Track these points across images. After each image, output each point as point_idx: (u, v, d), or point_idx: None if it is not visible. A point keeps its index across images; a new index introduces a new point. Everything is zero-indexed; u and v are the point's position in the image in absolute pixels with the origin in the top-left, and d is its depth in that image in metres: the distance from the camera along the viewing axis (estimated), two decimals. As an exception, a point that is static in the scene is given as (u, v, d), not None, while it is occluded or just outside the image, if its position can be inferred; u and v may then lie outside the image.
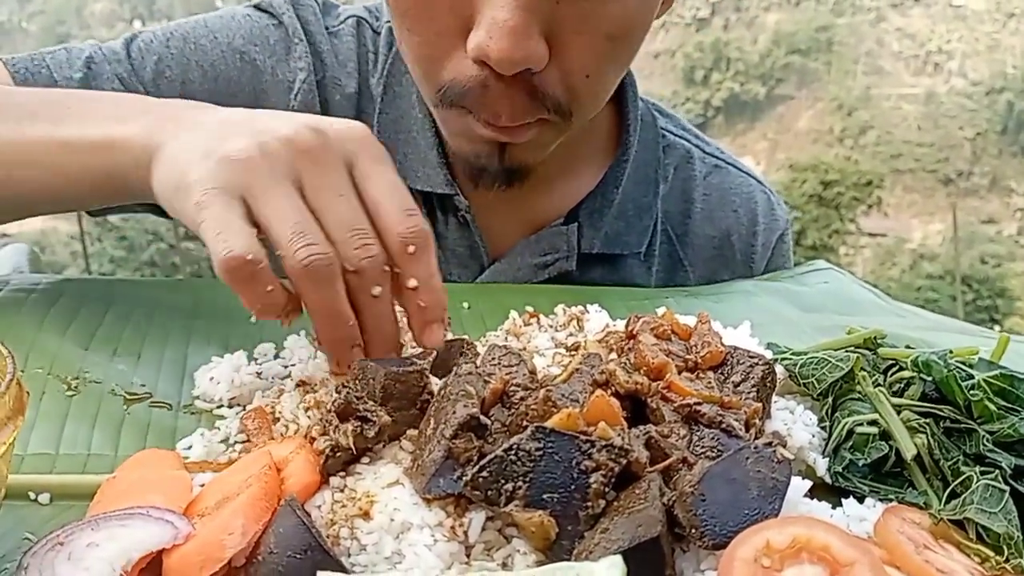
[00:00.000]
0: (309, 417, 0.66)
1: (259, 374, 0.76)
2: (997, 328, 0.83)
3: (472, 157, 0.92)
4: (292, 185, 0.62)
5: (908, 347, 0.75)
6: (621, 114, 1.09)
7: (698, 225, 1.15)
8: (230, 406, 0.73)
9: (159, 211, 1.07)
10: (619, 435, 0.54)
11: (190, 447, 0.66)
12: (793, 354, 0.72)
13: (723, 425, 0.58)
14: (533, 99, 0.83)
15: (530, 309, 0.89)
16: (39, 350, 0.77)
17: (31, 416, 0.69)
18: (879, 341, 0.73)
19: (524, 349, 0.77)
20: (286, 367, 0.77)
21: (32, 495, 0.61)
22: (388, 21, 1.08)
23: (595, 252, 1.07)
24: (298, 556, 0.50)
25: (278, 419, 0.67)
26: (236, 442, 0.67)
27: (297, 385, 0.72)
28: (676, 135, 1.17)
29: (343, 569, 0.50)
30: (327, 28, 1.06)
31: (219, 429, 0.69)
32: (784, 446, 0.56)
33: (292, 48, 1.03)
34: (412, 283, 0.65)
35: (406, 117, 1.03)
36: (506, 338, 0.82)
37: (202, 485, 0.59)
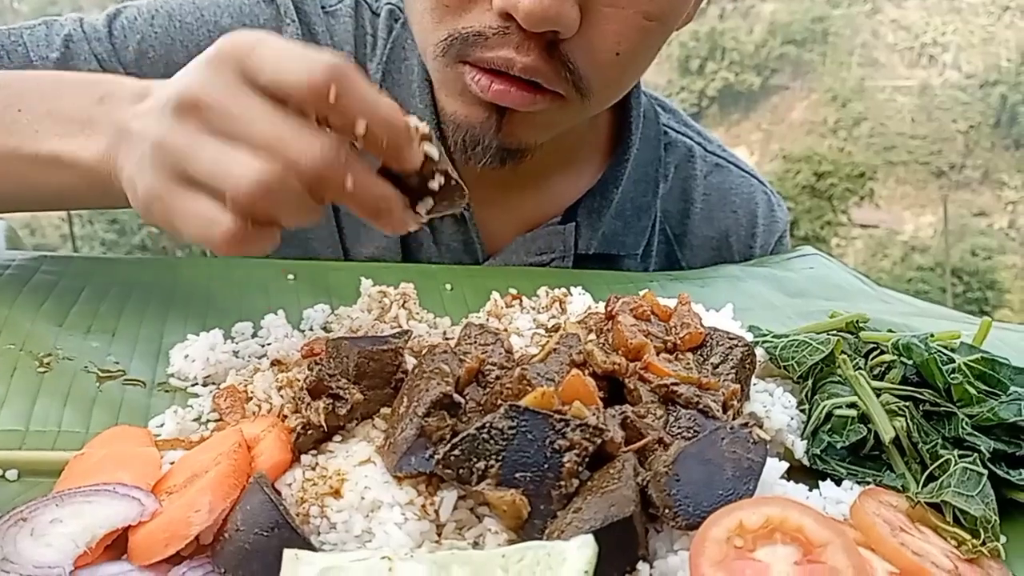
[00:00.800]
0: (282, 396, 0.65)
1: (236, 353, 0.75)
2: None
3: (467, 125, 0.87)
4: (211, 137, 0.57)
5: (890, 331, 0.74)
6: (623, 110, 1.06)
7: (697, 226, 1.13)
8: (204, 384, 0.72)
9: None
10: (594, 414, 0.54)
11: (162, 425, 0.65)
12: (774, 336, 0.72)
13: (700, 406, 0.57)
14: (552, 63, 0.79)
15: (513, 291, 0.88)
16: (11, 326, 0.76)
17: (1, 393, 0.68)
18: (861, 325, 0.73)
19: (504, 331, 0.76)
20: (263, 346, 0.76)
21: (0, 471, 0.60)
22: (388, 2, 1.04)
23: (591, 252, 1.05)
24: (265, 534, 0.49)
25: (251, 398, 0.66)
26: (209, 420, 0.66)
27: (271, 364, 0.71)
28: (678, 132, 1.15)
29: (311, 547, 0.49)
30: (323, 7, 1.02)
31: (191, 407, 0.68)
32: (760, 427, 0.55)
33: (283, 29, 1.00)
34: (361, 126, 0.57)
35: (406, 105, 0.99)
36: (487, 320, 0.82)
37: (172, 463, 0.59)
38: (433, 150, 0.61)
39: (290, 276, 0.93)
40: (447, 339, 0.77)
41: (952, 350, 0.66)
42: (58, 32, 0.95)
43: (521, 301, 0.87)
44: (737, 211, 1.15)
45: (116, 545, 0.51)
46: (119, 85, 0.69)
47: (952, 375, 0.62)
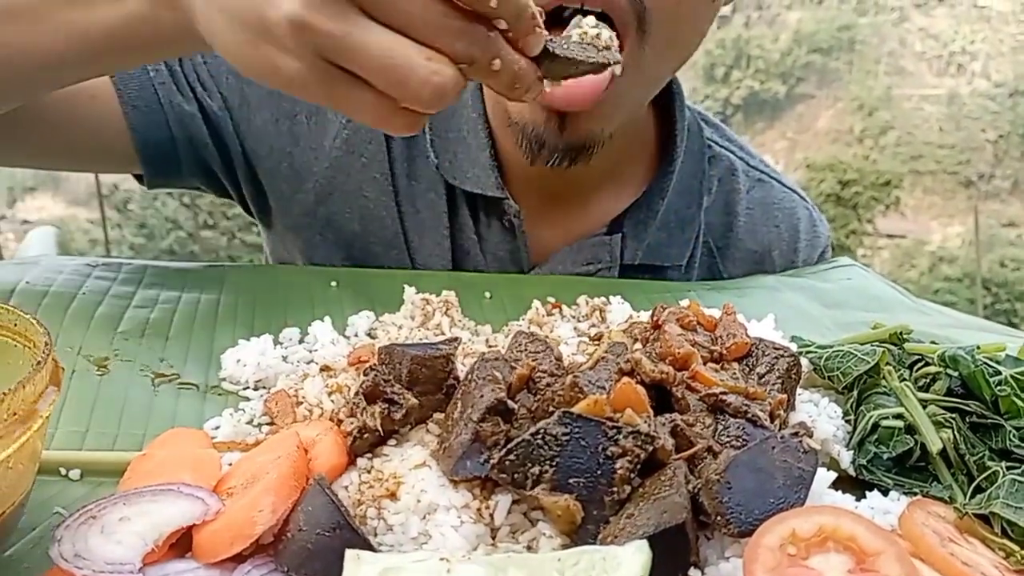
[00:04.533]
0: (332, 401, 0.67)
1: (285, 358, 0.76)
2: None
3: (531, 127, 0.89)
4: (369, 22, 0.54)
5: (933, 343, 0.75)
6: (668, 123, 1.08)
7: (740, 239, 1.14)
8: (256, 388, 0.74)
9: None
10: (645, 422, 0.54)
11: (218, 427, 0.67)
12: (818, 347, 0.72)
13: (748, 415, 0.58)
14: None
15: (552, 300, 0.89)
16: (68, 330, 0.78)
17: (61, 394, 0.70)
18: (905, 336, 0.73)
19: (547, 338, 0.77)
20: (310, 351, 0.78)
21: (63, 471, 0.62)
22: None
23: (637, 263, 1.06)
24: (327, 534, 0.50)
25: (301, 402, 0.67)
26: (261, 424, 0.68)
27: (320, 370, 0.72)
28: (721, 146, 1.16)
29: (371, 548, 0.51)
30: None
31: (243, 411, 0.69)
32: (810, 436, 0.56)
33: None
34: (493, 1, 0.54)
35: (458, 116, 1.02)
36: (529, 328, 0.83)
37: (230, 464, 0.60)
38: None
39: (333, 283, 0.94)
40: (491, 346, 0.78)
41: (998, 362, 0.66)
42: None
43: (561, 310, 0.88)
44: (780, 225, 1.16)
45: (180, 544, 0.53)
46: None
47: (999, 387, 0.62)
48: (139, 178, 1.03)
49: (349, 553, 0.48)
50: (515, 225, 1.02)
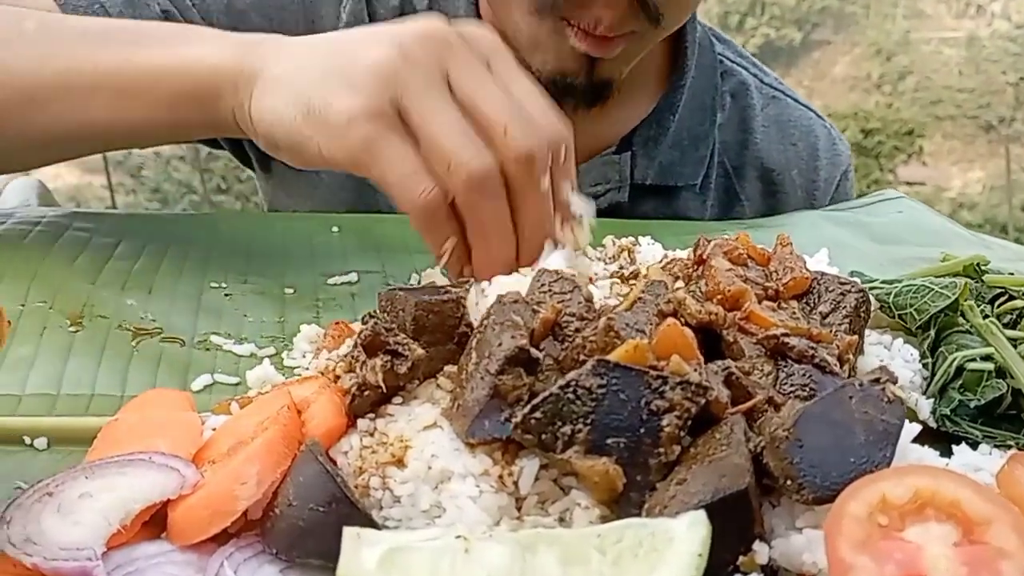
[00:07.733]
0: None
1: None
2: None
3: (558, 75, 0.87)
4: (443, 84, 0.59)
5: (1011, 275, 0.66)
6: (678, 38, 1.02)
7: (756, 158, 1.08)
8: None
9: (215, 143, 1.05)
10: (695, 370, 0.46)
11: (204, 387, 0.60)
12: (884, 282, 0.63)
13: (816, 360, 0.49)
14: (632, 7, 0.81)
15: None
16: (41, 283, 0.71)
17: (30, 354, 0.63)
18: (983, 267, 0.64)
19: (575, 276, 0.69)
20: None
21: (28, 440, 0.55)
22: None
23: (648, 183, 1.00)
24: (321, 509, 0.43)
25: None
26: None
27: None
28: (733, 62, 1.10)
29: (373, 524, 0.43)
30: None
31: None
32: (894, 383, 0.47)
33: None
34: (566, 191, 0.65)
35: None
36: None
37: (214, 429, 0.53)
38: None
39: (335, 229, 0.87)
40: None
41: (1098, 294, 0.57)
42: None
43: (585, 252, 0.80)
44: (797, 144, 1.10)
45: (154, 522, 0.46)
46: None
47: (1106, 321, 0.54)
48: None
49: (347, 531, 0.41)
50: None
